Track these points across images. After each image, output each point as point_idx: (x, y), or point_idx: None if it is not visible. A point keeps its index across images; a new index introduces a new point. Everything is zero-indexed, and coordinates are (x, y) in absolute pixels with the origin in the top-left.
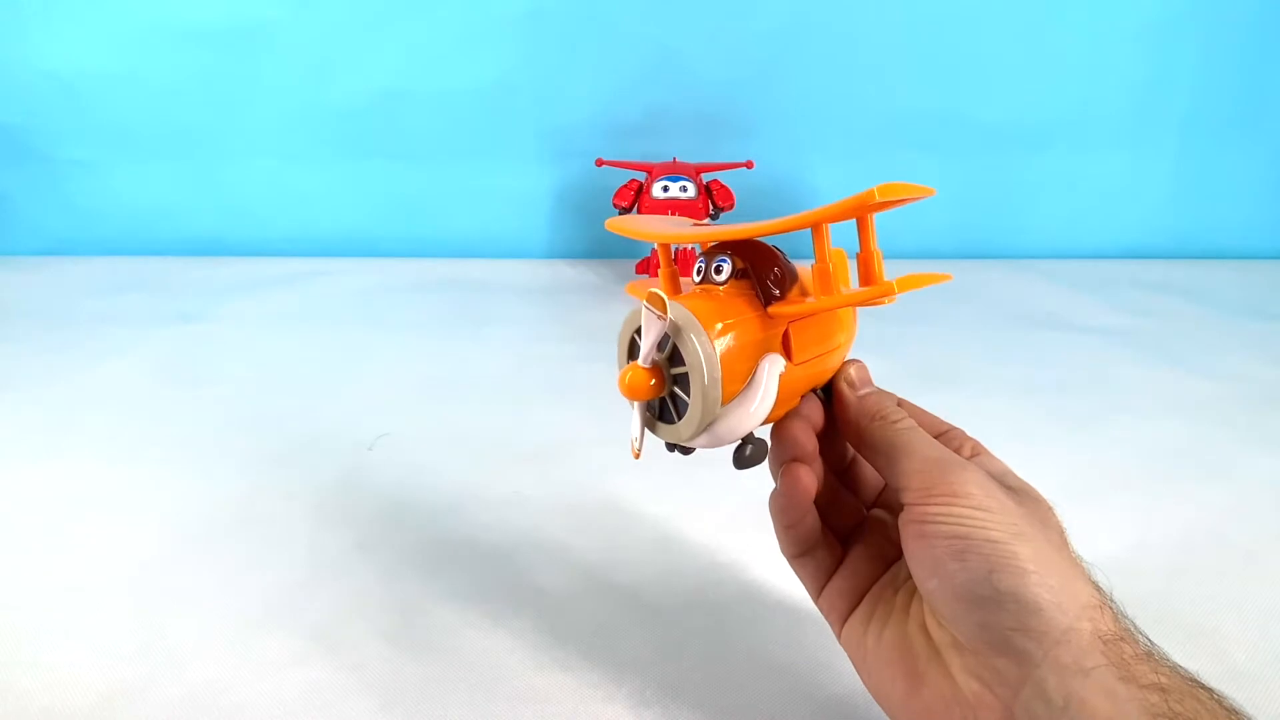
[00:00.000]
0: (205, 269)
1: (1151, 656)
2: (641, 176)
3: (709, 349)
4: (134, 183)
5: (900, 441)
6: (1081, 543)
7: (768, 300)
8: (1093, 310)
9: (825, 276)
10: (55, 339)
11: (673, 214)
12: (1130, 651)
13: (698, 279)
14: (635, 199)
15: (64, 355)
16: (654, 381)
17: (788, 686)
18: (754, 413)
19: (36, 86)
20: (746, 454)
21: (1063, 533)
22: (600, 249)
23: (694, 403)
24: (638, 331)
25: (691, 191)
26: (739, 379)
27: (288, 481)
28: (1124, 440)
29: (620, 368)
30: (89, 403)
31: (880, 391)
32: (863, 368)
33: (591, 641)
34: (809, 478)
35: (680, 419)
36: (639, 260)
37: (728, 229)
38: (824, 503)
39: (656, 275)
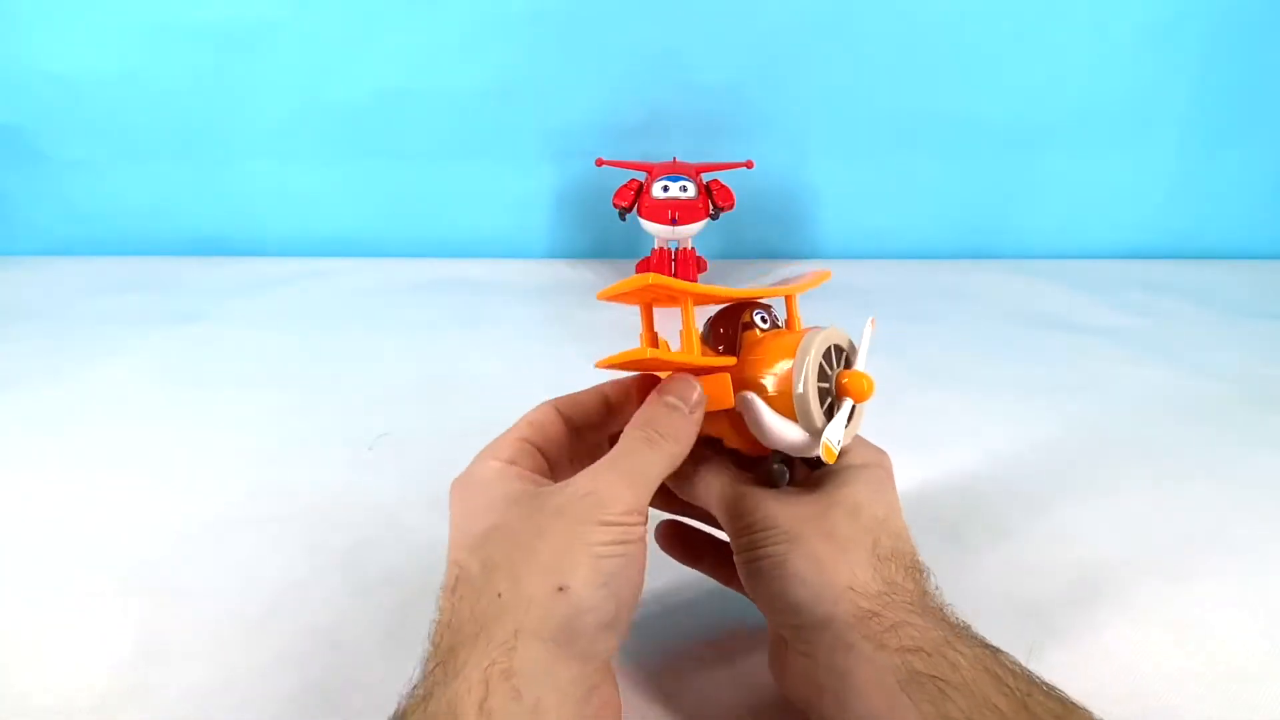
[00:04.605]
0: (205, 269)
1: (906, 625)
2: (641, 176)
3: None
4: (134, 183)
5: (700, 491)
6: (1082, 542)
7: None
8: (1093, 310)
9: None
10: (55, 339)
11: (673, 214)
12: (880, 625)
13: (713, 339)
14: (635, 199)
15: (64, 355)
16: None
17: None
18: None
19: (36, 86)
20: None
21: (852, 508)
22: (600, 249)
23: (857, 409)
24: (830, 350)
25: (691, 191)
26: None
27: (288, 481)
28: (1124, 440)
29: (807, 383)
30: (89, 402)
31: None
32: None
33: None
34: None
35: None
36: (639, 260)
37: (737, 291)
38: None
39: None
